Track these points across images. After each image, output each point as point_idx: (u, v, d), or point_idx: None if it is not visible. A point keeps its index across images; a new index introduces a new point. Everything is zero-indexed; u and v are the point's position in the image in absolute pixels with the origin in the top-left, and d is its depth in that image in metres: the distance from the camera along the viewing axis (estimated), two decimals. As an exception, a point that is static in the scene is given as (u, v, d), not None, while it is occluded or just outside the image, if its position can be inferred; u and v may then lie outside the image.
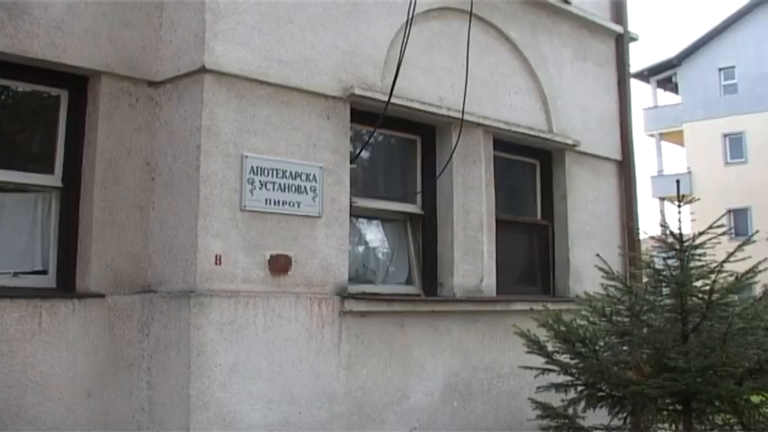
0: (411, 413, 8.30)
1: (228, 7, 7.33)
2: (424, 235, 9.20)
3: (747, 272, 7.26)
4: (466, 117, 9.00)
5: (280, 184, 7.50)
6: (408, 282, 9.14)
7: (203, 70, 7.17)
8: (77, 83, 7.38)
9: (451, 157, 9.07)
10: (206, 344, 6.88)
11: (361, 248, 8.94)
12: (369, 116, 8.30)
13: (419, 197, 9.23)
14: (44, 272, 7.15)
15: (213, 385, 6.90)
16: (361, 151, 8.55)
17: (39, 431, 6.62)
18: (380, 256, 9.22)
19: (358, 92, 8.10)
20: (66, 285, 7.13)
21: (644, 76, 49.43)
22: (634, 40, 11.89)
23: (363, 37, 8.33)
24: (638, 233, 10.80)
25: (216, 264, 7.01)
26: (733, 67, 46.86)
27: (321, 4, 7.98)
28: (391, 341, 8.23)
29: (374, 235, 9.14)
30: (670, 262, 7.71)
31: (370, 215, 8.90)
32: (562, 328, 7.60)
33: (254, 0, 7.51)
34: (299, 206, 7.61)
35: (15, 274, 6.99)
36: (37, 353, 6.68)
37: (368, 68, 8.31)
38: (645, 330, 7.46)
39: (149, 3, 7.60)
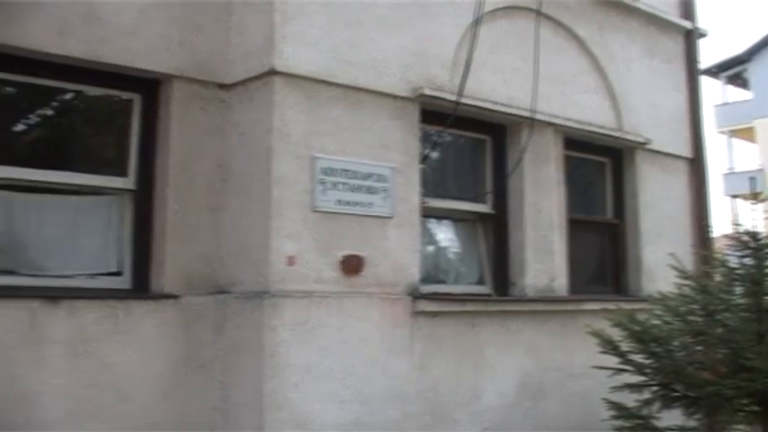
0: (483, 413, 8.17)
1: (297, 10, 7.27)
2: (494, 235, 9.06)
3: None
4: (536, 116, 8.88)
5: (350, 185, 7.41)
6: (479, 282, 9.01)
7: (273, 72, 7.11)
8: (149, 87, 7.37)
9: (522, 156, 8.93)
10: (279, 344, 6.82)
11: (431, 249, 8.82)
12: (438, 116, 8.20)
13: (490, 197, 9.09)
14: (119, 273, 7.17)
15: (286, 385, 6.83)
16: (430, 151, 8.42)
17: (117, 431, 6.63)
18: (451, 256, 9.10)
19: (427, 92, 7.99)
20: (141, 287, 7.13)
21: (713, 72, 48.54)
22: (703, 36, 11.64)
23: (431, 37, 8.21)
24: (710, 231, 10.58)
25: (288, 265, 6.94)
26: (804, 61, 46.08)
27: (388, 5, 7.88)
28: (463, 341, 8.10)
29: (445, 235, 9.03)
30: (744, 260, 7.51)
31: (441, 215, 8.77)
32: (636, 328, 7.46)
33: (322, 2, 7.43)
34: (370, 207, 7.52)
35: (92, 276, 7.03)
36: (113, 353, 6.69)
37: (436, 69, 8.20)
38: (720, 330, 7.30)
39: (219, 7, 7.57)
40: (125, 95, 7.42)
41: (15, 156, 7.02)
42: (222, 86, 7.52)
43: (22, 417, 6.18)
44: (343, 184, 7.37)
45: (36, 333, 6.37)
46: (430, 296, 7.91)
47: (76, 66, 6.92)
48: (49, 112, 7.44)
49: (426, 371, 7.76)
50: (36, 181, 6.86)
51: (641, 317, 7.63)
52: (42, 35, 6.65)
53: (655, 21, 10.87)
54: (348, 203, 7.38)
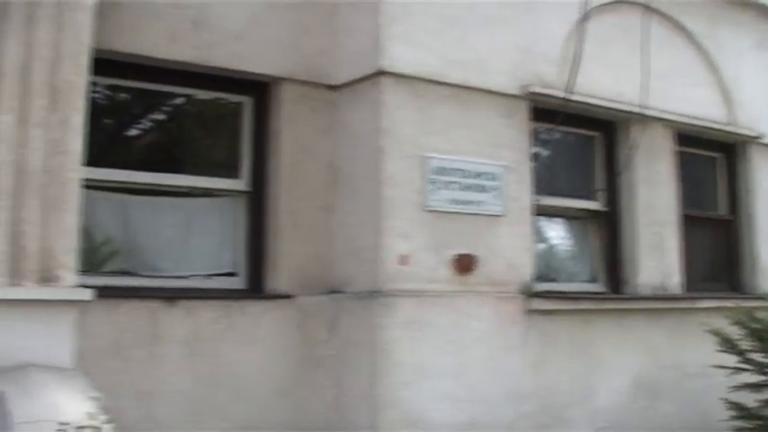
0: (598, 413, 7.98)
1: (402, 10, 7.21)
2: (606, 232, 8.87)
3: None
4: (646, 112, 8.67)
5: (462, 184, 7.31)
6: (591, 280, 8.82)
7: (381, 73, 7.07)
8: (259, 89, 7.39)
9: (633, 152, 8.73)
10: (392, 343, 6.77)
11: (543, 246, 8.68)
12: (547, 113, 8.06)
13: (601, 194, 8.90)
14: (234, 274, 7.20)
15: (399, 384, 6.77)
16: (540, 149, 8.30)
17: (233, 430, 6.64)
18: (563, 253, 8.97)
19: (536, 90, 7.87)
20: (256, 287, 7.15)
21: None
22: (817, 27, 11.26)
23: (538, 34, 8.07)
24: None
25: (400, 264, 6.88)
26: None
27: (494, 3, 7.77)
28: (576, 340, 7.94)
29: (556, 233, 8.88)
30: None
31: (552, 213, 8.60)
32: (756, 326, 7.22)
33: (427, 2, 7.36)
34: (481, 205, 7.41)
35: (207, 277, 7.09)
36: (229, 352, 6.72)
37: (544, 66, 8.06)
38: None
39: (325, 9, 7.55)
40: (235, 98, 7.46)
41: (131, 159, 7.13)
42: (331, 88, 7.49)
43: (141, 414, 6.22)
44: (455, 183, 7.28)
45: (154, 332, 6.42)
46: (544, 294, 7.75)
47: (187, 70, 6.98)
48: (161, 117, 7.53)
49: (540, 369, 7.62)
50: (151, 184, 6.95)
51: (761, 315, 7.38)
52: (154, 41, 6.72)
53: (766, 12, 10.53)
54: (460, 202, 7.29)
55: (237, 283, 7.18)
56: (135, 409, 6.16)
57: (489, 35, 7.70)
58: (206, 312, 6.65)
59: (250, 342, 6.83)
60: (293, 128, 7.29)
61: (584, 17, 8.09)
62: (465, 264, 7.20)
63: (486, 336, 7.29)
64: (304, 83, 7.39)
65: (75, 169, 4.88)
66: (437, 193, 7.15)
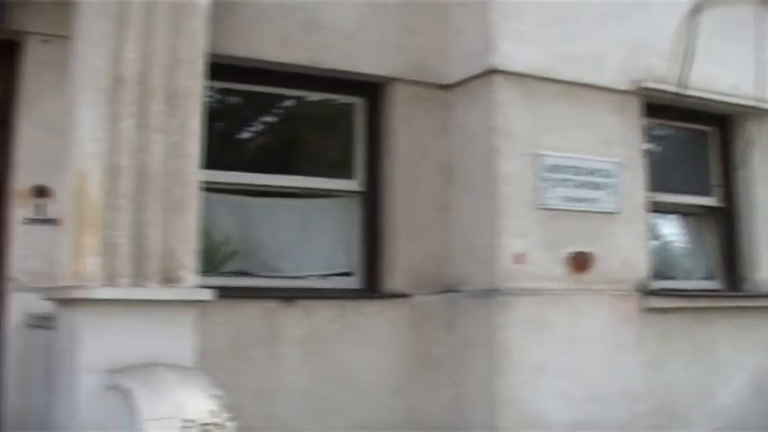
0: (716, 413, 7.72)
1: (513, 8, 7.10)
2: (723, 228, 8.60)
3: None
4: (762, 105, 8.35)
5: (576, 182, 7.16)
6: (708, 277, 8.56)
7: (493, 71, 6.97)
8: (371, 90, 7.36)
9: (750, 147, 8.45)
10: (509, 342, 6.66)
11: (658, 244, 8.45)
12: (659, 109, 7.84)
13: (717, 190, 8.63)
14: (350, 274, 7.19)
15: (517, 383, 6.67)
16: (654, 145, 8.08)
17: (351, 428, 6.60)
18: (678, 251, 8.72)
19: (649, 85, 7.65)
20: (372, 286, 7.11)
21: None
22: None
23: (648, 28, 7.84)
24: None
25: (516, 262, 6.77)
26: None
27: (602, -2, 7.61)
28: (694, 338, 7.70)
29: (671, 230, 8.66)
30: None
31: (667, 210, 8.36)
32: None
33: (537, 0, 7.23)
34: (596, 203, 7.25)
35: (324, 277, 7.09)
36: (346, 351, 6.70)
37: (655, 60, 7.81)
38: None
39: (435, 9, 7.46)
40: (347, 99, 7.45)
41: (244, 162, 7.18)
42: (443, 87, 7.40)
43: (260, 413, 6.21)
44: (568, 180, 7.14)
45: (273, 332, 6.45)
46: (660, 292, 7.54)
47: (299, 73, 6.98)
48: (273, 119, 7.57)
49: (657, 368, 7.40)
50: (268, 185, 6.99)
51: None
52: (266, 45, 6.75)
53: None
54: (574, 200, 7.14)
55: (353, 282, 7.16)
56: (254, 407, 6.15)
57: (599, 30, 7.53)
58: (323, 312, 6.64)
59: (366, 341, 6.80)
60: (407, 128, 7.23)
61: (696, 10, 7.86)
62: (581, 262, 7.05)
63: (602, 334, 7.13)
64: (416, 83, 7.32)
65: (195, 172, 4.88)
66: (551, 191, 7.02)
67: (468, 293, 6.97)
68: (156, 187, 4.74)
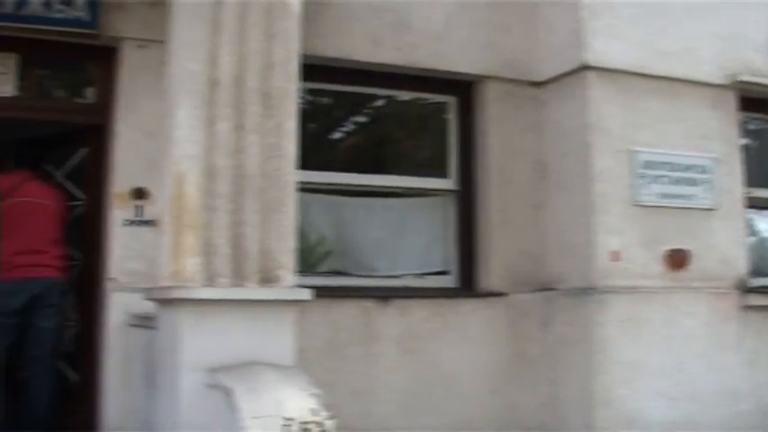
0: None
1: (604, 4, 6.97)
2: (823, 224, 8.29)
3: None
4: None
5: (671, 178, 6.99)
6: (808, 274, 8.26)
7: (585, 67, 6.86)
8: (463, 89, 7.30)
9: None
10: (607, 340, 6.53)
11: (755, 240, 8.16)
12: (755, 103, 7.65)
13: (817, 184, 8.32)
14: (446, 272, 7.14)
15: (615, 382, 6.52)
16: (749, 140, 7.84)
17: (447, 427, 6.54)
18: (776, 247, 8.43)
19: (745, 78, 7.41)
20: (468, 285, 7.06)
21: None
22: None
23: (742, 21, 7.60)
24: None
25: (613, 260, 6.63)
26: None
27: (695, -9, 7.41)
28: (796, 337, 7.44)
29: (768, 225, 8.38)
30: None
31: (764, 205, 8.07)
32: None
33: (627, -6, 7.09)
34: (692, 199, 7.06)
35: (419, 276, 7.07)
36: (442, 350, 6.66)
37: (751, 53, 7.59)
38: None
39: (524, 6, 7.38)
40: (439, 98, 7.40)
41: (337, 161, 7.20)
42: (534, 84, 7.31)
43: (358, 411, 6.22)
44: (664, 176, 6.97)
45: (369, 331, 6.45)
46: (759, 290, 7.30)
47: (389, 72, 6.97)
48: (364, 119, 7.59)
49: (758, 367, 7.17)
50: (363, 185, 7.00)
51: None
52: (357, 45, 6.76)
53: None
54: (670, 196, 6.97)
55: (449, 281, 7.12)
56: (352, 406, 6.14)
57: (692, 24, 7.34)
58: (419, 311, 6.61)
59: (462, 340, 6.74)
60: (499, 126, 7.16)
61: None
62: (678, 259, 6.89)
63: (700, 333, 6.94)
64: (507, 80, 7.25)
65: (291, 172, 4.86)
66: (647, 188, 6.87)
67: (564, 292, 6.87)
68: (253, 188, 4.72)
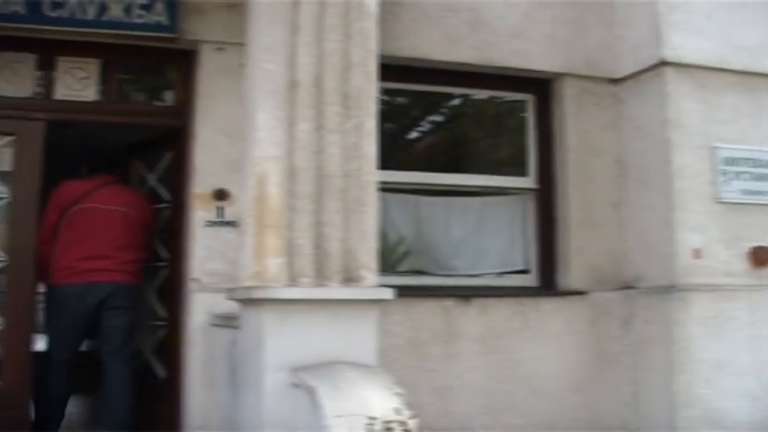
0: None
1: (680, -2, 6.82)
2: None
3: None
4: None
5: (754, 174, 6.81)
6: None
7: (663, 63, 6.72)
8: (540, 86, 7.21)
9: None
10: (688, 339, 6.38)
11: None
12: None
13: None
14: (526, 271, 7.07)
15: (697, 382, 6.37)
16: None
17: (529, 426, 6.48)
18: None
19: (826, 71, 7.20)
20: (548, 284, 6.98)
21: None
22: None
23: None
24: None
25: (694, 258, 6.48)
26: None
27: (772, -16, 7.21)
28: None
29: None
30: None
31: None
32: None
33: (705, -12, 6.93)
34: (776, 196, 6.90)
35: (499, 275, 7.01)
36: (523, 349, 6.59)
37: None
38: None
39: (600, 2, 7.26)
40: (516, 96, 7.33)
41: (415, 160, 7.22)
42: (612, 81, 7.19)
43: (438, 410, 6.18)
44: (746, 173, 6.80)
45: (449, 330, 6.39)
46: None
47: (466, 71, 6.91)
48: (440, 118, 7.56)
49: None
50: (440, 184, 6.95)
51: None
52: (432, 44, 6.71)
53: None
54: (753, 193, 6.80)
55: (529, 280, 7.04)
56: (432, 405, 6.13)
57: (770, 17, 7.16)
58: (500, 310, 6.55)
59: (543, 339, 6.66)
60: (578, 123, 7.06)
61: None
62: (762, 256, 6.70)
63: (787, 331, 6.77)
64: (585, 77, 7.14)
65: (372, 172, 4.83)
66: (729, 185, 6.70)
67: (645, 290, 6.74)
68: (334, 188, 4.69)
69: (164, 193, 6.68)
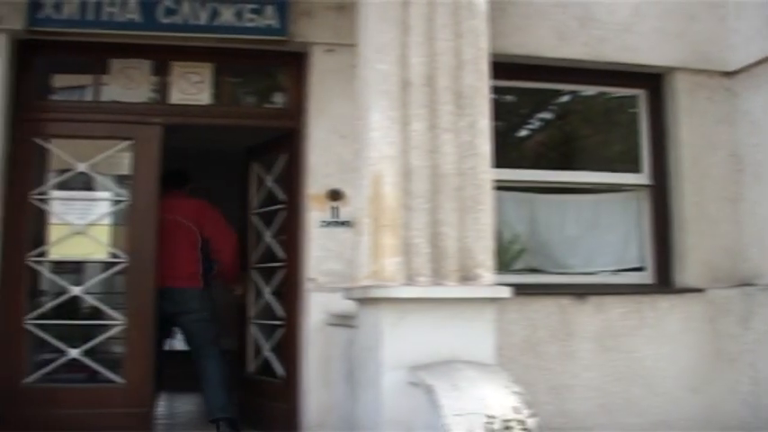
0: None
1: (793, -11, 6.57)
2: None
3: None
4: None
5: None
6: None
7: (777, 55, 6.49)
8: (651, 81, 7.03)
9: None
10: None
11: None
12: None
13: None
14: (641, 268, 6.90)
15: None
16: None
17: (647, 426, 6.32)
18: None
19: None
20: (664, 281, 6.79)
21: None
22: None
23: None
24: None
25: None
26: None
27: None
28: None
29: None
30: None
31: None
32: None
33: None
34: None
35: (614, 272, 6.89)
36: (640, 347, 6.44)
37: None
38: None
39: (710, -5, 7.06)
40: (627, 92, 7.17)
41: (526, 158, 7.14)
42: (725, 74, 6.97)
43: (554, 409, 6.08)
44: None
45: (565, 328, 6.30)
46: None
47: (576, 67, 6.81)
48: (550, 115, 7.45)
49: None
50: (553, 182, 6.85)
51: None
52: (541, 41, 6.64)
53: None
54: None
55: (645, 277, 6.88)
56: (548, 403, 6.03)
57: None
58: (615, 308, 6.42)
59: (660, 337, 6.49)
60: (691, 118, 6.86)
61: None
62: None
63: None
64: (697, 71, 6.94)
65: (487, 171, 4.77)
66: None
67: (763, 287, 6.53)
68: (449, 187, 4.65)
69: (280, 194, 6.70)
